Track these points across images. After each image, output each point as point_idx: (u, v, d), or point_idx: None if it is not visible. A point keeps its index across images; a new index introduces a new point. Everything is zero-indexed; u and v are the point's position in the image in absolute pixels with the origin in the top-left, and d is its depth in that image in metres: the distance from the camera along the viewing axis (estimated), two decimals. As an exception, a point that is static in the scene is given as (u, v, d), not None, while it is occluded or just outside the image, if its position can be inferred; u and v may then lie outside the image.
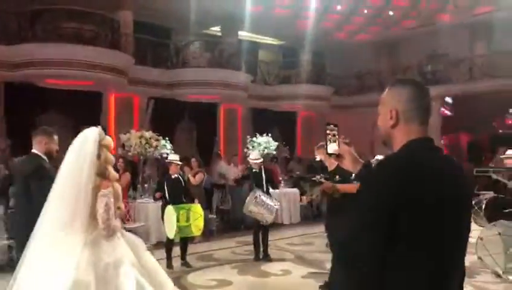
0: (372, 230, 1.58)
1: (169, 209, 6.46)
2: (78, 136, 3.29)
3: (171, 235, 6.53)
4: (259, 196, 7.11)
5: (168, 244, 6.92)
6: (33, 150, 4.18)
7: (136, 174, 9.42)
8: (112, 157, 3.37)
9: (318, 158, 6.05)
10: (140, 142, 8.76)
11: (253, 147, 12.00)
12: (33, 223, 3.23)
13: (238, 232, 9.69)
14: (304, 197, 7.77)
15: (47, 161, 4.10)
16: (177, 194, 6.92)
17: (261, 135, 12.71)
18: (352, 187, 4.50)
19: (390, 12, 17.09)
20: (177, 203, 6.68)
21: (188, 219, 6.44)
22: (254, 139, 12.54)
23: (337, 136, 2.09)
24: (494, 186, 11.93)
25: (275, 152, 12.75)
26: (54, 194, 3.12)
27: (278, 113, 17.25)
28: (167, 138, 11.67)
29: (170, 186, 6.92)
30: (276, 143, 12.86)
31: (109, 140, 3.37)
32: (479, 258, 5.89)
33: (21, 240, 3.72)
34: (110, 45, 12.27)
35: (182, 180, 7.16)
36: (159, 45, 15.07)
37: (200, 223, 6.63)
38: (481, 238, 5.98)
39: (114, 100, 13.89)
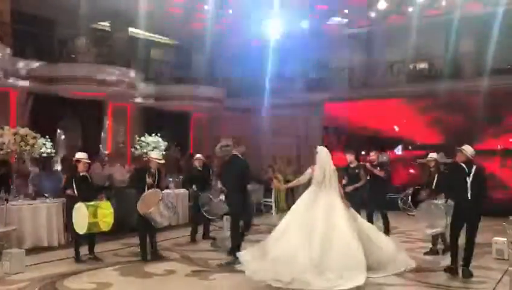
0: None
1: (80, 206, 6.82)
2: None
3: (81, 231, 6.92)
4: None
5: (77, 240, 7.32)
6: (235, 153, 7.37)
7: (10, 174, 8.73)
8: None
9: None
10: (15, 139, 8.12)
11: (141, 146, 11.77)
12: (243, 198, 7.38)
13: (122, 234, 9.34)
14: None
15: None
16: (86, 191, 7.24)
17: (152, 135, 12.46)
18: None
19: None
20: (85, 200, 6.98)
21: (95, 216, 6.83)
22: (143, 138, 12.29)
23: None
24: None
25: (165, 152, 12.62)
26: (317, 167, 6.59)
27: (170, 113, 17.08)
28: (47, 136, 10.99)
29: (78, 184, 7.24)
30: (166, 143, 12.73)
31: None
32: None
33: (235, 209, 7.39)
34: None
35: (89, 178, 7.54)
36: (42, 37, 14.12)
37: (110, 219, 7.00)
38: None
39: (-14, 94, 12.73)
